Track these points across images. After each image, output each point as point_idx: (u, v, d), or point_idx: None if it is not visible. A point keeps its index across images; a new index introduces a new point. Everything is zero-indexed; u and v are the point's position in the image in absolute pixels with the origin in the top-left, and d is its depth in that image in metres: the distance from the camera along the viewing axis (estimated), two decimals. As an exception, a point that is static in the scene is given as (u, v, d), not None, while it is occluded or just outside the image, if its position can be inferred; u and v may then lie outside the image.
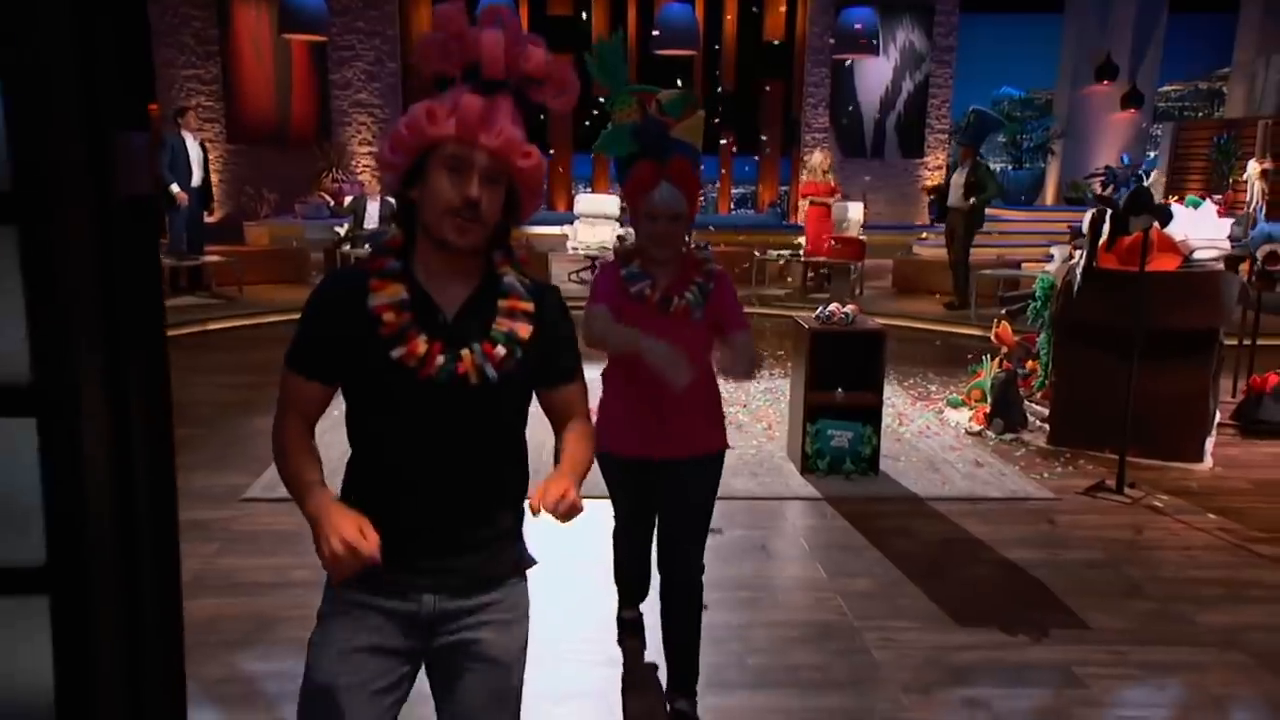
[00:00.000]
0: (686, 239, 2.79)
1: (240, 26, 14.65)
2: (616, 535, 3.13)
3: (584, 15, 16.25)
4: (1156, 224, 5.00)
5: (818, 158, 11.66)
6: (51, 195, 1.53)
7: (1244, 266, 6.77)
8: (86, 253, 1.50)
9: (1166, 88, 21.37)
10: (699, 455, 2.81)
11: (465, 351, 1.65)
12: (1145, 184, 4.72)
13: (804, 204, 11.80)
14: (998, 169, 19.49)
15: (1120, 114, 16.79)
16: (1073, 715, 2.98)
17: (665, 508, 2.86)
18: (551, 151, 16.35)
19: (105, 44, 1.67)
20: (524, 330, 1.70)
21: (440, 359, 1.64)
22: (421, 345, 1.64)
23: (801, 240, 12.16)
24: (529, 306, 1.71)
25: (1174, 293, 5.34)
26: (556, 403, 1.80)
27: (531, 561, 1.83)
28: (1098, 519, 4.66)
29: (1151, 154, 17.94)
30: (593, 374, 2.05)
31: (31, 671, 1.60)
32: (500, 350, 1.67)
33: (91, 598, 1.60)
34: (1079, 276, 5.40)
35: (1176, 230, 5.42)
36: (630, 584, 3.26)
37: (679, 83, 14.37)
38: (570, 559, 3.78)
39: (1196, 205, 5.73)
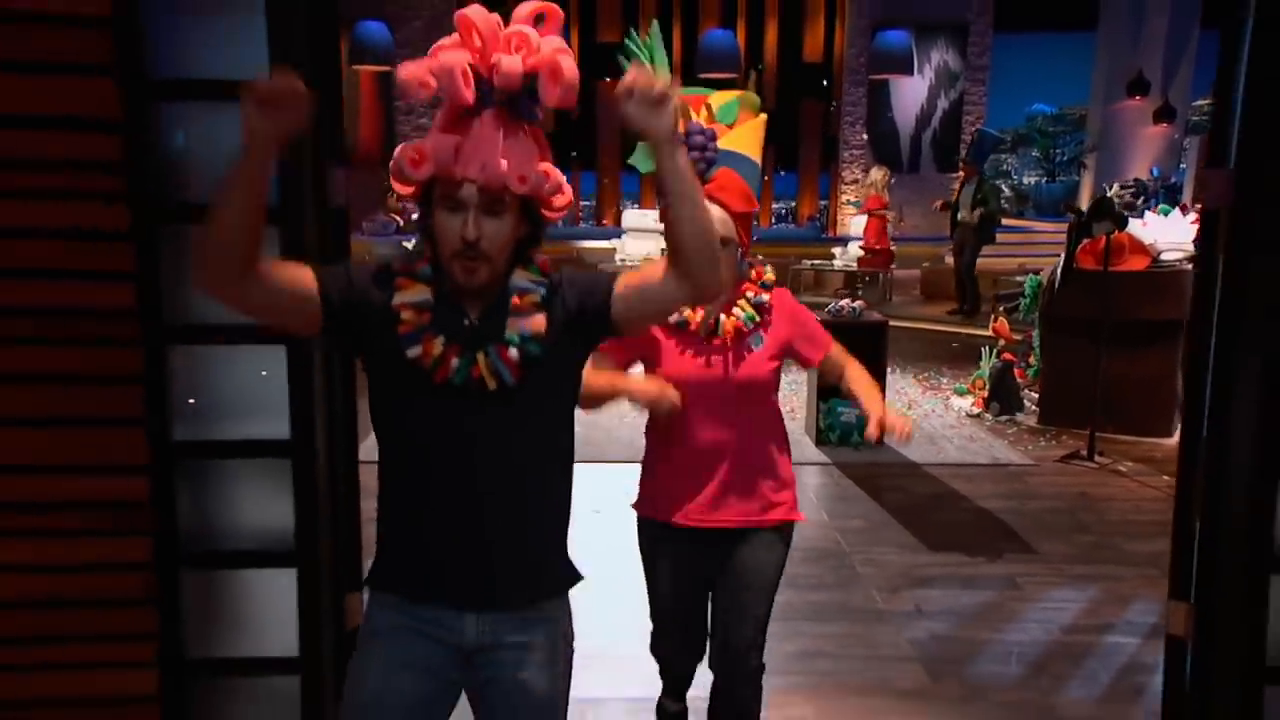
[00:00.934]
0: (744, 268, 2.37)
1: (314, 58, 15.85)
2: (657, 627, 2.50)
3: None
4: (1132, 228, 5.83)
5: (875, 174, 12.50)
6: (297, 206, 2.49)
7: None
8: (314, 244, 2.48)
9: (1201, 101, 21.81)
10: (762, 526, 2.34)
11: (480, 355, 1.59)
12: (1109, 194, 5.46)
13: (863, 218, 12.60)
14: (1031, 182, 20.23)
15: (1153, 128, 17.32)
16: (1005, 607, 3.84)
17: (720, 592, 2.38)
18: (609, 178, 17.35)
19: (322, 104, 2.64)
20: (537, 324, 1.62)
21: (455, 361, 1.58)
22: (437, 346, 1.59)
23: (836, 251, 13.07)
24: (536, 297, 1.64)
25: (1143, 289, 6.13)
26: (627, 301, 1.64)
27: (578, 576, 1.77)
28: (1066, 480, 5.47)
29: (1182, 166, 18.47)
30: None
31: (279, 514, 2.55)
32: (514, 353, 1.60)
33: (316, 463, 2.57)
34: (1059, 276, 6.21)
35: (1146, 234, 6.23)
36: (677, 681, 2.61)
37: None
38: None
39: (1167, 213, 6.53)
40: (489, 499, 1.64)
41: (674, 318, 2.28)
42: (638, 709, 2.91)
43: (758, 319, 2.32)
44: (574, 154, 18.47)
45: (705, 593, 2.41)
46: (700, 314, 2.29)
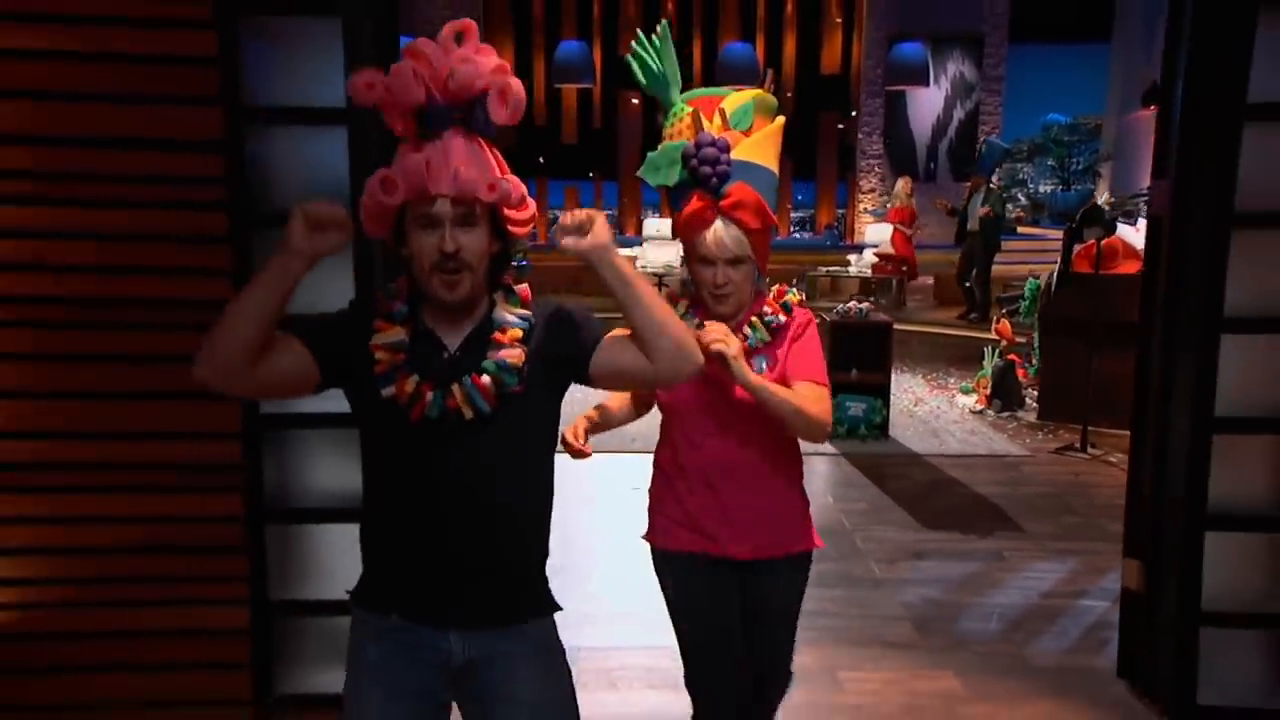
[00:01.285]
0: (761, 288, 2.27)
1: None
2: (693, 659, 2.28)
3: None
4: (1127, 234, 6.20)
5: (899, 186, 12.90)
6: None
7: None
8: (380, 248, 2.87)
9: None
10: (779, 556, 2.25)
11: (455, 386, 1.62)
12: (1099, 203, 5.84)
13: (880, 226, 13.02)
14: (1048, 190, 20.51)
15: (1167, 137, 17.57)
16: (991, 576, 4.22)
17: (748, 622, 2.30)
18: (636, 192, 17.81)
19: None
20: (515, 356, 1.65)
21: (430, 396, 1.62)
22: (410, 385, 1.63)
23: (852, 258, 13.49)
24: (519, 333, 1.68)
25: (1135, 291, 6.45)
26: (605, 367, 1.69)
27: (556, 606, 1.80)
28: (1058, 469, 5.84)
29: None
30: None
31: (348, 477, 2.96)
32: (487, 380, 1.63)
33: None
34: (1055, 279, 6.58)
35: (1139, 240, 6.58)
36: None
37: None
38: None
39: (1159, 219, 6.86)
40: (467, 527, 1.68)
41: None
42: (661, 654, 3.30)
43: (768, 340, 2.21)
44: (590, 174, 18.98)
45: (735, 613, 2.26)
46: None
